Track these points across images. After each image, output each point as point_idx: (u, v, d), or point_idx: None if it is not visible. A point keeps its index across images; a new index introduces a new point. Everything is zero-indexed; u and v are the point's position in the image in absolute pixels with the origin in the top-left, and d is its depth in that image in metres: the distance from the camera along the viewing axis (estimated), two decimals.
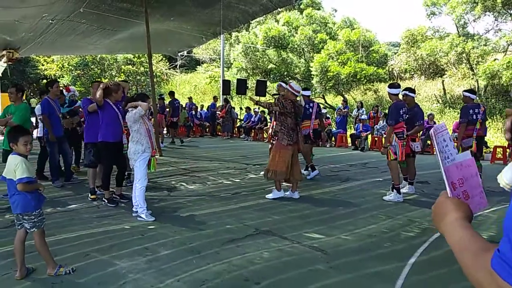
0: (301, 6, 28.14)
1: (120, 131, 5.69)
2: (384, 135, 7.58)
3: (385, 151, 6.26)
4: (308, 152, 7.96)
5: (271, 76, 25.33)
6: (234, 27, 16.46)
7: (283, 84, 6.93)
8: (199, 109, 18.71)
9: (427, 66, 25.04)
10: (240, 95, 20.65)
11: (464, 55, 20.47)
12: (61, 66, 31.50)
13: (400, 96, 6.49)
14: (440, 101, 20.82)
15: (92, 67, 31.78)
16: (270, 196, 6.20)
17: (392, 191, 6.33)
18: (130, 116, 4.96)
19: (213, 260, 3.75)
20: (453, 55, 21.09)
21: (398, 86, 6.40)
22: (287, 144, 5.98)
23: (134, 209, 5.10)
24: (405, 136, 6.23)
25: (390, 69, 26.21)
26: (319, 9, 28.88)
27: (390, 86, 6.40)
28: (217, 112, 18.13)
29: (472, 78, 20.70)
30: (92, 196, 5.85)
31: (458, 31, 22.25)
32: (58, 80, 6.07)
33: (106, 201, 5.58)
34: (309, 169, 8.05)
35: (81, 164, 7.95)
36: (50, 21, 11.82)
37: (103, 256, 3.79)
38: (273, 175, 6.08)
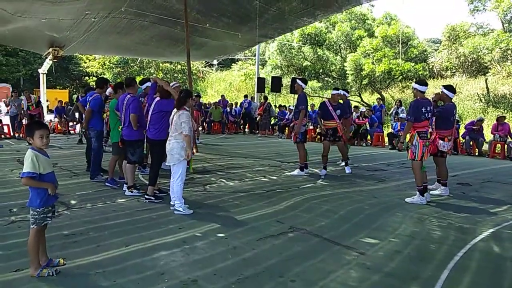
0: None
1: None
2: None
3: (401, 146, 6.09)
4: None
5: (306, 74, 25.17)
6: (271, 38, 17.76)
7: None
8: (233, 106, 18.87)
9: (470, 64, 24.11)
10: (274, 93, 20.70)
11: (509, 52, 19.58)
12: (103, 63, 32.60)
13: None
14: (483, 100, 20.00)
15: (131, 64, 32.73)
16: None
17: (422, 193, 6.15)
18: (185, 119, 5.09)
19: (248, 255, 3.80)
20: (498, 52, 20.21)
21: (427, 84, 6.27)
22: None
23: (172, 203, 5.24)
24: (429, 135, 5.98)
25: (431, 66, 25.43)
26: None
27: (419, 83, 6.19)
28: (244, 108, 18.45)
29: None
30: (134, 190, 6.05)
31: (503, 27, 21.31)
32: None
33: (149, 196, 5.67)
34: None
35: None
36: (93, 19, 12.26)
37: (143, 247, 3.91)
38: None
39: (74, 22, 12.45)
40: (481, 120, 12.70)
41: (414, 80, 6.54)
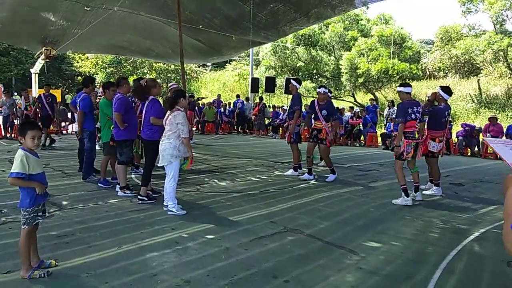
0: None
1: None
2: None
3: (397, 150, 6.03)
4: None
5: (300, 74, 25.18)
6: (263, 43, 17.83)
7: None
8: (227, 107, 18.86)
9: (462, 65, 24.30)
10: (268, 93, 20.72)
11: (501, 53, 19.74)
12: (95, 63, 32.38)
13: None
14: (475, 101, 20.17)
15: (124, 64, 32.55)
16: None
17: (415, 192, 6.19)
18: (181, 121, 5.07)
19: (241, 255, 3.80)
20: (490, 53, 20.36)
21: (410, 85, 6.34)
22: None
23: (165, 203, 5.22)
24: (416, 135, 6.00)
25: (423, 67, 25.57)
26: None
27: (403, 86, 6.25)
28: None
29: (510, 77, 19.96)
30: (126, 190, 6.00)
31: (495, 28, 21.46)
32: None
33: (142, 196, 5.65)
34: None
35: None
36: (86, 8, 12.01)
37: (135, 248, 3.89)
38: None
39: (68, 4, 12.12)
40: (479, 131, 12.85)
41: (398, 84, 6.54)
